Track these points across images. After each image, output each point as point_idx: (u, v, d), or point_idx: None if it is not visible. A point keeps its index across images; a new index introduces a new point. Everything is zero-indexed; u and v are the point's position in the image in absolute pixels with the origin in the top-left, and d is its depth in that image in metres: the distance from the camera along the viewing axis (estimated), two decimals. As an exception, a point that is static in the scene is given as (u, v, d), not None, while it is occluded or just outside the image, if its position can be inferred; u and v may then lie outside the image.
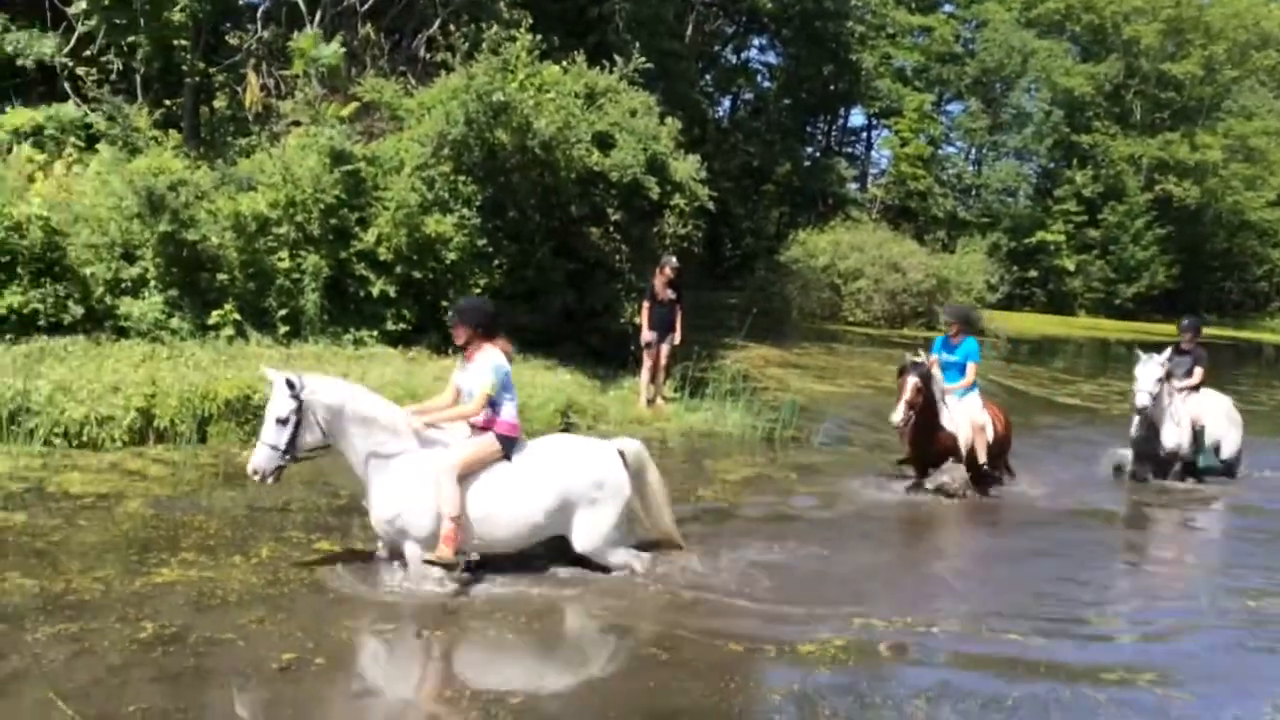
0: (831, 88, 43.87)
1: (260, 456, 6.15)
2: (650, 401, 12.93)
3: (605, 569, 6.63)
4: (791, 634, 5.91)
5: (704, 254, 32.61)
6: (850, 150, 50.67)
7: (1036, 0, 50.09)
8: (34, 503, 7.49)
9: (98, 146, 14.14)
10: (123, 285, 11.65)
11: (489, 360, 6.47)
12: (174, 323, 11.61)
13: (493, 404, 6.44)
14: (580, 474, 6.53)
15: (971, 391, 9.94)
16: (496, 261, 13.56)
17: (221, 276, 12.07)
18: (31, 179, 12.87)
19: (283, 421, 6.10)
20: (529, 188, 13.92)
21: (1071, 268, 47.70)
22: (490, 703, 4.85)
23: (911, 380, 9.22)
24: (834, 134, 50.09)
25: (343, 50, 14.79)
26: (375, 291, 12.78)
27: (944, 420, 9.54)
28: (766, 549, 7.56)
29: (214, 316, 11.78)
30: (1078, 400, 18.68)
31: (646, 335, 13.01)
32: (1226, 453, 11.62)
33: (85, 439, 8.94)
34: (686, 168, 15.41)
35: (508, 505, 6.34)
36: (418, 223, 12.88)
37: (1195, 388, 11.26)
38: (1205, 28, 49.44)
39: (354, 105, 14.27)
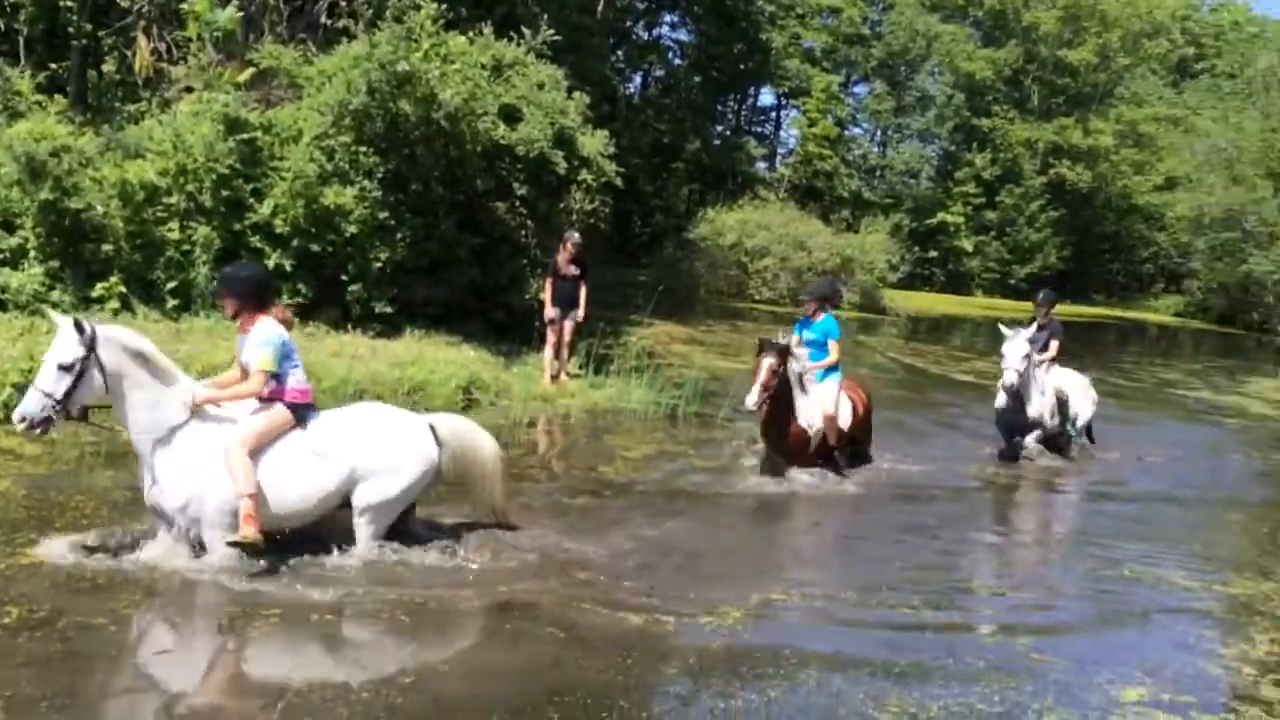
0: (742, 66, 44.04)
1: (31, 402, 5.65)
2: (554, 378, 12.90)
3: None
4: (689, 608, 5.98)
5: (612, 231, 32.61)
6: (759, 129, 51.09)
7: (940, -15, 51.09)
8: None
9: (-25, 110, 13.47)
10: (1, 256, 11.14)
11: (263, 333, 6.07)
12: (55, 295, 11.16)
13: (276, 376, 6.07)
14: (378, 445, 6.20)
15: (834, 373, 9.52)
16: (399, 235, 13.33)
17: (107, 247, 11.63)
18: (-98, 143, 12.21)
19: (65, 368, 5.64)
20: (433, 160, 13.70)
21: (970, 248, 48.97)
22: (381, 684, 4.80)
23: (767, 361, 8.80)
24: (743, 113, 50.43)
25: (240, 15, 14.32)
26: (271, 264, 12.44)
27: (798, 410, 9.08)
28: (664, 525, 7.64)
29: (98, 289, 11.36)
30: (972, 377, 19.21)
31: (549, 311, 12.97)
32: (1082, 420, 11.85)
33: (-40, 414, 8.53)
34: (594, 143, 15.35)
35: (300, 476, 6.00)
36: (316, 194, 12.58)
37: (1053, 360, 11.39)
38: (1100, 16, 50.97)
39: (250, 71, 13.85)
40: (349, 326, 12.78)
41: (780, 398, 8.94)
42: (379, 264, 13.11)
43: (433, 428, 6.49)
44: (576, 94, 15.64)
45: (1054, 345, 11.35)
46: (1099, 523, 9.23)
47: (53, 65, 15.33)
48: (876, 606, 6.32)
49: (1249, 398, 19.79)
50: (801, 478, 9.22)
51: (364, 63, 13.05)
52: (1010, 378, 10.37)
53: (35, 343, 9.52)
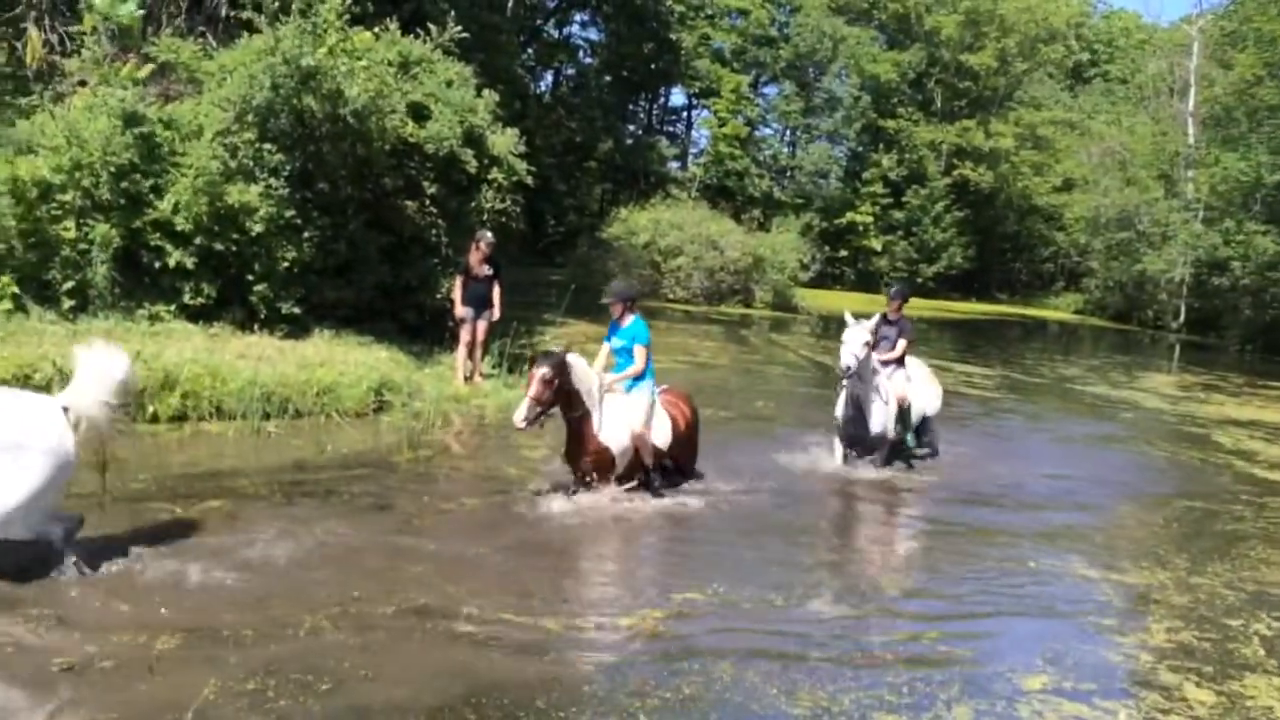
0: (652, 66, 44.32)
1: None
2: (468, 378, 12.79)
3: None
4: (603, 611, 6.00)
5: (525, 230, 32.46)
6: (671, 129, 51.46)
7: (846, -13, 52.05)
8: None
9: None
10: (-120, 255, 10.62)
11: None
12: (-58, 296, 10.67)
13: None
14: None
15: (643, 382, 8.51)
16: (306, 234, 13.03)
17: (-2, 246, 11.16)
18: None
19: None
20: (340, 158, 13.44)
21: (878, 248, 50.01)
22: (300, 689, 4.71)
23: (540, 372, 7.80)
24: (655, 113, 50.76)
25: (141, 12, 13.87)
26: (172, 263, 12.07)
27: (596, 427, 8.12)
28: (563, 525, 7.64)
29: (-11, 289, 10.89)
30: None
31: (459, 311, 12.86)
32: (929, 411, 11.24)
33: None
34: (505, 141, 15.24)
35: None
36: (220, 191, 12.23)
37: (900, 360, 10.69)
38: (1000, 21, 52.52)
39: (150, 68, 13.41)
40: (255, 328, 12.46)
41: (570, 409, 8.03)
42: (286, 263, 12.80)
43: (65, 410, 5.74)
44: (486, 92, 15.51)
45: (901, 344, 10.65)
46: (999, 519, 9.41)
47: (-64, 56, 14.65)
48: (786, 605, 6.41)
49: (1144, 392, 20.57)
50: (603, 498, 8.24)
51: (267, 57, 12.73)
52: (847, 358, 9.61)
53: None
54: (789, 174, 51.58)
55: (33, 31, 14.34)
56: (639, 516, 8.10)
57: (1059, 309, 54.32)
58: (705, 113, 49.34)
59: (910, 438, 10.78)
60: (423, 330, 14.35)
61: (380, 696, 4.78)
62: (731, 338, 24.06)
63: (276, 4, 13.03)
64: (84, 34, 13.93)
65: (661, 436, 8.60)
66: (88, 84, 13.17)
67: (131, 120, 12.06)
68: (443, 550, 6.82)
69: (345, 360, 11.80)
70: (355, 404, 10.98)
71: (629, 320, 8.66)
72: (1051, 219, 56.50)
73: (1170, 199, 45.68)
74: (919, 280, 51.33)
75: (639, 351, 8.52)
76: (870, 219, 49.50)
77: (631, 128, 47.43)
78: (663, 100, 50.82)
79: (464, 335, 12.90)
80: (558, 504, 8.05)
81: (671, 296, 30.90)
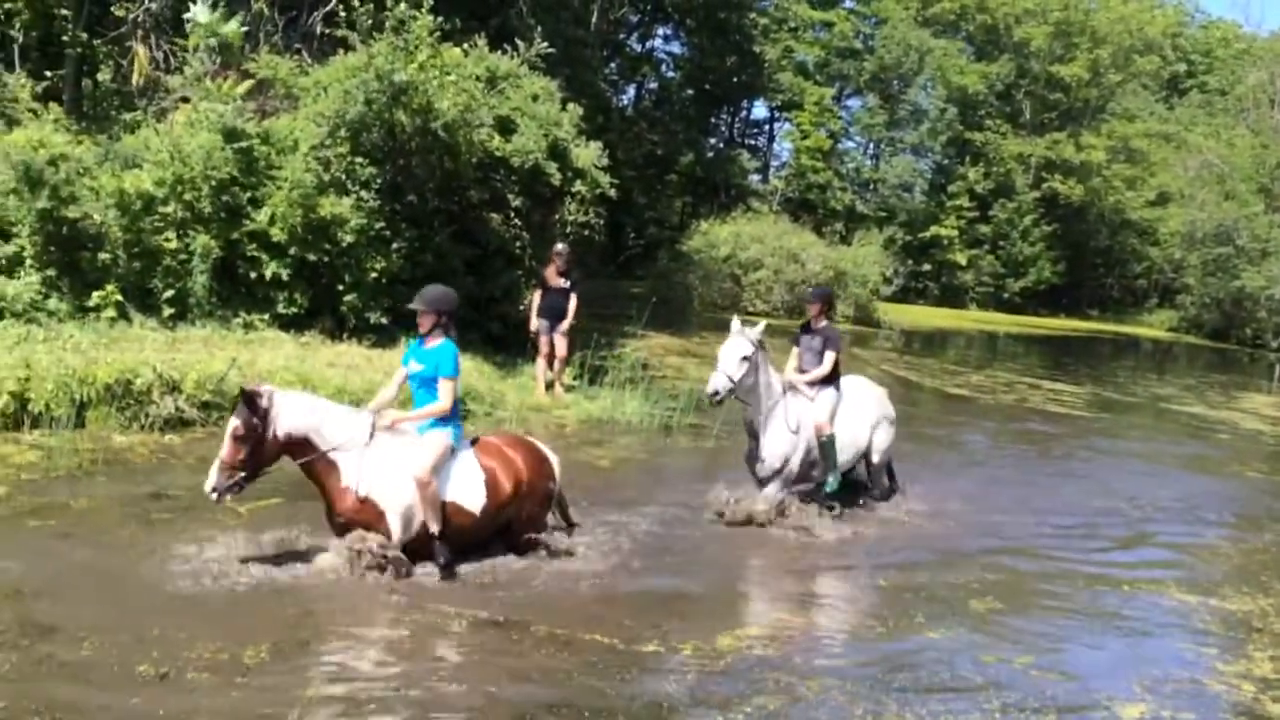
0: (735, 79, 44.17)
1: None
2: (548, 388, 12.89)
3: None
4: (681, 629, 5.97)
5: (606, 242, 32.71)
6: (752, 142, 51.22)
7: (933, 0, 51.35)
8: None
9: (-30, 118, 13.45)
10: (-4, 263, 11.12)
11: None
12: (51, 303, 11.13)
13: None
14: None
15: (443, 427, 6.50)
16: (394, 245, 13.31)
17: (103, 256, 11.60)
18: (-104, 150, 12.17)
19: None
20: (429, 171, 13.70)
21: (963, 262, 49.10)
22: (386, 696, 4.78)
23: (234, 424, 6.00)
24: (737, 125, 50.57)
25: (244, 30, 14.35)
26: (267, 274, 12.43)
27: (348, 478, 6.19)
28: (652, 543, 7.62)
29: (95, 298, 11.32)
30: (966, 391, 19.23)
31: (533, 323, 12.97)
32: (878, 458, 9.15)
33: (-46, 423, 8.51)
34: (588, 154, 15.36)
35: None
36: (313, 204, 12.56)
37: (829, 379, 8.60)
38: (1091, 31, 51.26)
39: (249, 84, 13.85)
40: (344, 336, 12.76)
41: (307, 458, 6.18)
42: (374, 274, 13.08)
43: None
44: (571, 106, 15.67)
45: (829, 358, 8.55)
46: (1090, 541, 9.15)
47: (48, 73, 15.30)
48: (876, 628, 6.31)
49: (1242, 413, 19.85)
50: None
51: (361, 73, 13.06)
52: (716, 381, 7.95)
53: (31, 351, 9.51)
54: (872, 187, 50.97)
55: (139, 49, 14.89)
56: (729, 535, 8.00)
57: (1152, 326, 52.69)
58: (787, 125, 49.06)
59: (833, 480, 8.48)
60: (506, 341, 14.52)
61: (462, 704, 4.83)
62: (812, 352, 23.78)
63: (370, 21, 13.36)
64: (188, 51, 14.45)
65: (469, 497, 6.53)
66: (190, 100, 13.65)
67: (231, 135, 12.46)
68: (522, 562, 6.85)
69: (431, 370, 11.98)
70: (440, 413, 11.12)
71: (436, 341, 6.61)
72: (1145, 234, 54.84)
73: (1271, 213, 44.02)
74: (1005, 296, 50.31)
75: (444, 387, 6.51)
76: (955, 233, 48.62)
77: (713, 141, 47.33)
78: (744, 113, 50.65)
79: (542, 347, 13.01)
80: (639, 517, 8.04)
81: (751, 310, 30.69)
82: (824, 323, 8.72)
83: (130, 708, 4.56)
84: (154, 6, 15.40)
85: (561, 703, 4.89)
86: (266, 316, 12.43)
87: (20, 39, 14.84)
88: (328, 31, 16.00)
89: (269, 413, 6.02)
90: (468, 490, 6.54)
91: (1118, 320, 54.10)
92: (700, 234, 32.23)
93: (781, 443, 8.24)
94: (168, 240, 11.99)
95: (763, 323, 8.48)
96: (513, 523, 6.87)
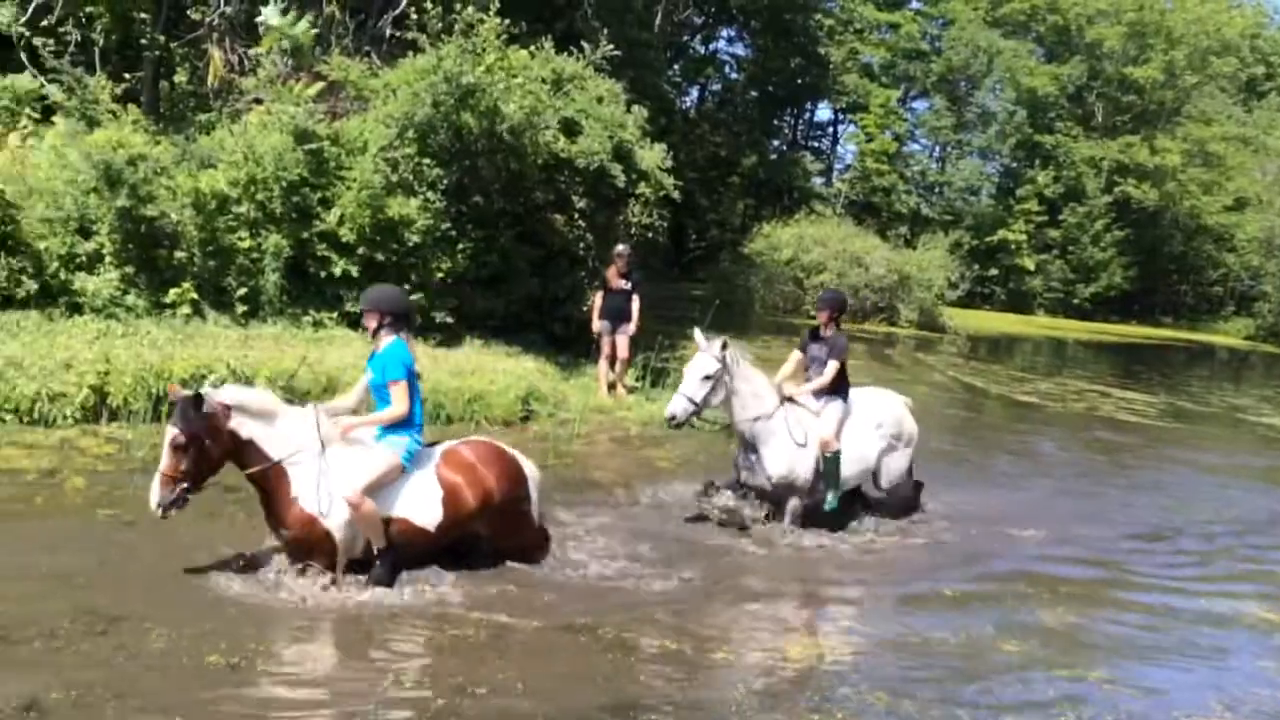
0: (799, 81, 43.94)
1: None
2: (611, 388, 12.90)
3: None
4: (744, 634, 5.93)
5: (668, 244, 32.70)
6: (816, 144, 50.89)
7: (1002, 0, 50.53)
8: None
9: (53, 119, 13.82)
10: (78, 260, 11.40)
11: None
12: (130, 300, 11.39)
13: None
14: None
15: (398, 436, 6.17)
16: (460, 246, 13.42)
17: (180, 254, 11.86)
18: (-16, 150, 12.58)
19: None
20: (494, 172, 13.80)
21: (1031, 267, 48.24)
22: (456, 693, 4.80)
23: (171, 433, 5.64)
24: (800, 128, 50.28)
25: (314, 32, 14.59)
26: (336, 272, 12.62)
27: (298, 492, 5.87)
28: (717, 547, 7.56)
29: (171, 295, 11.57)
30: (1035, 398, 18.87)
31: (596, 325, 12.98)
32: (887, 480, 8.48)
33: (36, 415, 8.74)
34: (653, 156, 15.36)
35: None
36: (381, 204, 12.73)
37: (834, 389, 8.15)
38: (1167, 33, 50.09)
39: (320, 86, 14.07)
40: (411, 334, 12.88)
41: (256, 467, 5.85)
42: (440, 274, 13.22)
43: None
44: (635, 108, 15.68)
45: (830, 368, 8.06)
46: (1164, 555, 8.91)
47: (127, 76, 15.68)
48: (949, 639, 6.18)
49: (1322, 424, 19.21)
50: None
51: (429, 75, 13.19)
52: (675, 405, 7.64)
53: (110, 346, 9.75)
54: (938, 190, 50.31)
55: (215, 52, 15.20)
56: (798, 540, 7.89)
57: (1228, 334, 51.30)
58: (852, 128, 48.65)
59: (832, 499, 8.02)
60: (569, 342, 14.56)
61: (528, 706, 4.83)
62: (875, 356, 23.57)
63: (439, 24, 13.49)
64: (261, 54, 14.72)
65: (424, 513, 6.16)
66: (263, 102, 13.90)
67: (302, 137, 12.67)
68: (589, 567, 6.85)
69: (495, 369, 12.08)
70: (504, 412, 11.22)
71: (385, 343, 6.26)
72: (1221, 239, 53.41)
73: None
74: (1075, 302, 49.30)
75: (394, 391, 6.16)
76: (1024, 237, 47.78)
77: (776, 143, 47.10)
78: (808, 115, 50.36)
79: (604, 348, 13.03)
80: (705, 522, 7.98)
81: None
82: (832, 330, 8.28)
83: (204, 698, 4.63)
84: (228, 10, 15.69)
85: (627, 706, 4.88)
86: (335, 314, 12.62)
87: (101, 42, 15.23)
88: (397, 34, 16.17)
89: (211, 418, 5.66)
90: (422, 506, 6.15)
91: (1192, 328, 52.77)
92: (762, 236, 32.11)
93: (786, 455, 7.82)
94: (241, 239, 12.22)
95: (718, 342, 7.79)
96: (483, 539, 6.47)
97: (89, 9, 14.78)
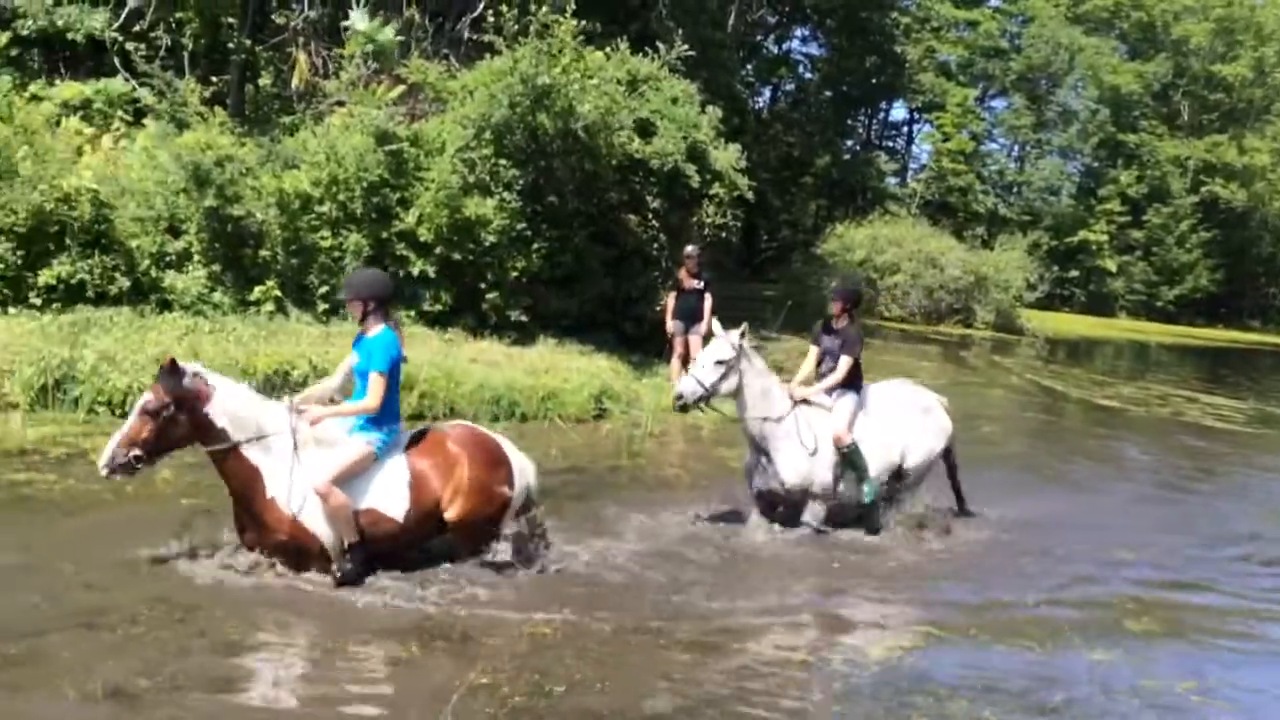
0: (874, 80, 43.48)
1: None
2: (683, 389, 12.88)
3: None
4: (838, 636, 5.88)
5: (740, 245, 32.57)
6: (890, 144, 50.26)
7: (1084, -4, 49.42)
8: (74, 469, 7.60)
9: (144, 121, 14.28)
10: (167, 259, 11.78)
11: None
12: (216, 297, 11.73)
13: None
14: None
15: (371, 431, 5.94)
16: (535, 246, 13.55)
17: (264, 253, 12.18)
18: (79, 152, 13.01)
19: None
20: (569, 173, 13.90)
21: (1113, 269, 47.09)
22: (534, 691, 4.84)
23: (147, 397, 5.64)
24: (874, 127, 49.69)
25: (399, 39, 14.87)
26: (415, 271, 12.83)
27: (273, 489, 5.75)
28: (790, 547, 7.52)
29: (256, 292, 11.89)
30: (1117, 403, 18.42)
31: (669, 325, 13.00)
32: (914, 472, 8.07)
33: (128, 409, 8.99)
34: (727, 157, 15.33)
35: None
36: (459, 204, 12.91)
37: (847, 384, 7.82)
38: (1257, 29, 48.52)
39: (401, 88, 14.33)
40: (485, 334, 13.07)
41: (223, 450, 5.71)
42: (515, 273, 13.36)
43: None
44: (710, 108, 15.66)
45: (844, 363, 7.76)
46: (1254, 563, 8.61)
47: (214, 79, 16.12)
48: (1033, 645, 6.06)
49: None
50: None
51: (506, 76, 13.34)
52: (684, 384, 7.61)
53: (198, 342, 10.05)
54: (1016, 190, 49.33)
55: (301, 56, 15.57)
56: (876, 543, 7.80)
57: (1320, 339, 49.53)
58: (928, 127, 47.98)
59: (869, 490, 7.73)
60: (642, 341, 14.61)
61: (603, 702, 4.85)
62: (950, 358, 23.24)
63: (516, 26, 13.64)
64: (341, 57, 15.03)
65: (391, 503, 5.92)
66: (345, 104, 14.19)
67: (383, 138, 12.91)
68: (665, 562, 6.86)
69: (568, 368, 12.18)
70: (577, 410, 11.31)
71: (375, 330, 6.05)
72: (1314, 241, 51.58)
73: None
74: (1158, 304, 47.96)
75: (372, 382, 5.90)
76: (1105, 238, 46.63)
77: (849, 143, 46.68)
78: (883, 115, 49.78)
79: (676, 348, 13.04)
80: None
81: (887, 314, 30.17)
82: (845, 322, 7.90)
83: (293, 688, 4.74)
84: (313, 14, 16.05)
85: (706, 707, 4.88)
86: (413, 313, 12.82)
87: (190, 46, 15.69)
88: (474, 37, 16.37)
89: (191, 390, 5.58)
90: (389, 496, 5.92)
91: (1282, 332, 51.04)
92: (835, 237, 31.82)
93: (799, 462, 7.55)
94: (323, 238, 12.50)
95: (744, 325, 7.71)
96: (454, 529, 6.10)
97: (179, 14, 15.24)
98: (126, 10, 15.42)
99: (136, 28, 15.43)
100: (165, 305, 11.40)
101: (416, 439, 6.14)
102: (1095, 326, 39.86)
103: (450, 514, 6.03)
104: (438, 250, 12.92)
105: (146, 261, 11.56)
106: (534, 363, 12.17)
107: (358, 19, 14.56)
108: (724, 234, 16.00)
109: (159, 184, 12.02)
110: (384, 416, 5.95)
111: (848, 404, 7.76)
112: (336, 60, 15.43)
